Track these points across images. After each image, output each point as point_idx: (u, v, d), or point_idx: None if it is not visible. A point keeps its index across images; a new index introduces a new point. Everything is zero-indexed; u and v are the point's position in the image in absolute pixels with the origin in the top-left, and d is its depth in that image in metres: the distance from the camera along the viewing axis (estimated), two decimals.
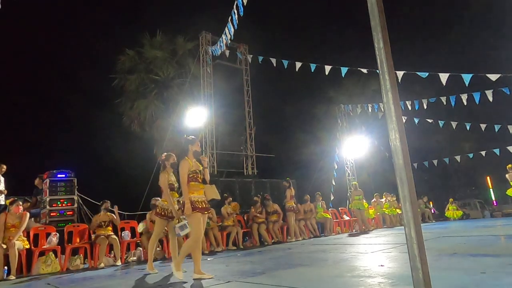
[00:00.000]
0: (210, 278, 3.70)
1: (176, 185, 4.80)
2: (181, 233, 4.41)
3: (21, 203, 5.98)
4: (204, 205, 3.96)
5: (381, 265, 3.47)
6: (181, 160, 4.05)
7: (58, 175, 7.32)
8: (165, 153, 4.94)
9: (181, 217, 4.55)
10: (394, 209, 11.75)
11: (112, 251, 6.60)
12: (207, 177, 4.13)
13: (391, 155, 1.51)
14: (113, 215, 6.81)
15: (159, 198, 7.46)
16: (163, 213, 4.74)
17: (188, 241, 4.02)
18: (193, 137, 4.19)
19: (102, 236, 6.34)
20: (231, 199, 8.40)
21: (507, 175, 9.78)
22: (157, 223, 4.86)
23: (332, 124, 15.73)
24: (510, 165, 9.72)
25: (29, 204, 7.78)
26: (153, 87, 16.24)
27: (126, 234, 7.16)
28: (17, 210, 5.81)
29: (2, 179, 7.64)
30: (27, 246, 5.88)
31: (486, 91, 9.01)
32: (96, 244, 6.34)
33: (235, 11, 8.00)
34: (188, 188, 3.88)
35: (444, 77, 8.13)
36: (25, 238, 5.93)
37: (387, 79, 1.47)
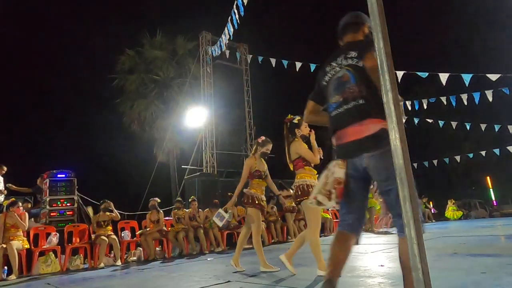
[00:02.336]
0: (276, 271, 3.74)
1: (264, 173, 4.40)
2: (220, 224, 4.40)
3: (20, 203, 5.98)
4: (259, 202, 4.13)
5: (381, 265, 3.47)
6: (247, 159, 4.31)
7: (58, 175, 7.33)
8: (264, 137, 4.49)
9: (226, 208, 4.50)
10: None
11: (112, 251, 6.60)
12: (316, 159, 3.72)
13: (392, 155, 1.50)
14: (111, 214, 6.82)
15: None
16: (256, 202, 4.25)
17: (307, 232, 3.73)
18: (264, 138, 4.38)
19: (102, 236, 6.34)
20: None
21: None
22: (254, 214, 4.23)
23: None
24: None
25: (29, 204, 7.79)
26: (153, 87, 16.24)
27: (126, 234, 7.16)
28: (17, 211, 5.82)
29: (2, 179, 7.65)
30: (27, 246, 5.88)
31: (486, 91, 9.01)
32: (96, 244, 6.34)
33: (235, 11, 8.00)
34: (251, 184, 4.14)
35: (444, 77, 8.13)
36: (25, 238, 5.93)
37: (387, 79, 1.46)
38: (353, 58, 1.78)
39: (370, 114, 1.67)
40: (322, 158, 3.73)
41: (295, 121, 3.79)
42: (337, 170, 1.79)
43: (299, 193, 3.56)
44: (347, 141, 1.77)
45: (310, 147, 3.70)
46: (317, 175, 3.62)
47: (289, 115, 3.91)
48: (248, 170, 4.27)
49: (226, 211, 4.45)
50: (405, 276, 1.72)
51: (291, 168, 3.79)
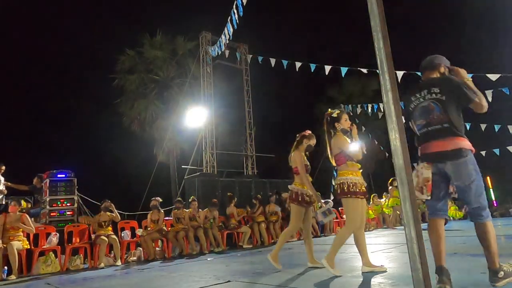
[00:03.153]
0: (383, 272, 3.27)
1: (309, 167, 4.22)
2: (324, 220, 4.15)
3: (15, 203, 5.97)
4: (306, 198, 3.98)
5: (381, 265, 3.46)
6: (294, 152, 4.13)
7: (58, 175, 7.33)
8: (309, 131, 4.31)
9: (322, 201, 4.21)
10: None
11: (112, 251, 6.60)
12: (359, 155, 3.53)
13: (391, 155, 1.51)
14: (112, 214, 6.82)
15: (159, 198, 7.51)
16: (301, 199, 4.02)
17: (342, 230, 3.50)
18: (310, 132, 4.25)
19: (102, 236, 6.34)
20: (236, 199, 8.42)
21: None
22: (296, 211, 4.07)
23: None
24: None
25: (29, 204, 7.79)
26: (153, 87, 16.25)
27: (126, 234, 7.16)
28: (13, 210, 5.81)
29: (2, 179, 7.65)
30: (27, 246, 5.88)
31: (486, 91, 9.00)
32: (96, 244, 6.34)
33: (235, 11, 8.00)
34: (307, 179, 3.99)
35: None
36: (25, 238, 5.93)
37: (387, 79, 1.47)
38: (436, 93, 2.42)
39: (453, 134, 2.34)
40: (366, 152, 3.58)
41: (334, 115, 3.66)
42: (424, 171, 2.41)
43: (340, 191, 3.41)
44: (433, 151, 2.41)
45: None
46: (361, 170, 3.50)
47: (329, 109, 3.80)
48: (303, 163, 4.05)
49: (326, 203, 4.15)
50: (485, 249, 2.40)
51: (333, 164, 3.65)
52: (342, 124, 3.60)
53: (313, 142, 4.22)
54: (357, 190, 3.36)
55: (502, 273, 2.27)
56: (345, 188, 3.38)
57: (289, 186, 4.20)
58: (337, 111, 3.70)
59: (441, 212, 2.53)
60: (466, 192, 2.32)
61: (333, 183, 3.79)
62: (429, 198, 2.43)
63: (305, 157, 4.21)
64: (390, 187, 10.68)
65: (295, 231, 4.23)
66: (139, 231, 7.02)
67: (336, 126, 3.61)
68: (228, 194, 8.51)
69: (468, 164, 2.30)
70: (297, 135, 4.31)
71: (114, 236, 6.55)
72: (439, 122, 2.38)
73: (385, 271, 3.29)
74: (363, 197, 3.43)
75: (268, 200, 8.98)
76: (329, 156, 3.67)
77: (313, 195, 4.10)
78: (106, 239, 6.33)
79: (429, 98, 2.44)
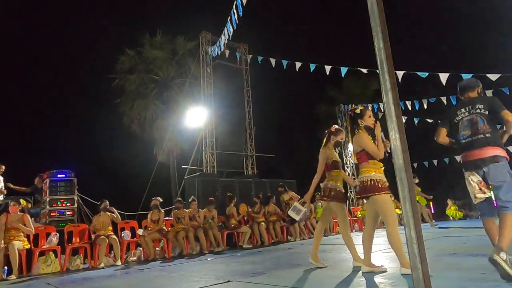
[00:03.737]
0: (383, 272, 3.25)
1: (340, 163, 4.17)
2: (297, 217, 4.14)
3: (14, 202, 5.96)
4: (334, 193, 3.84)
5: (382, 265, 3.47)
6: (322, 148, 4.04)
7: (58, 175, 7.33)
8: (336, 126, 4.21)
9: (297, 202, 4.26)
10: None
11: (112, 251, 6.60)
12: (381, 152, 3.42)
13: (391, 155, 1.51)
14: (113, 215, 6.82)
15: (159, 198, 7.51)
16: (339, 195, 3.90)
17: (389, 231, 3.24)
18: (337, 127, 4.15)
19: (102, 236, 6.34)
20: (236, 199, 8.42)
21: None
22: (339, 209, 3.90)
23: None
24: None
25: (29, 204, 7.79)
26: (153, 87, 16.24)
27: (126, 234, 7.16)
28: (13, 210, 5.82)
29: (2, 179, 7.65)
30: (28, 246, 5.88)
31: (486, 91, 9.01)
32: (96, 244, 6.34)
33: (235, 11, 8.00)
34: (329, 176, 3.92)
35: (444, 77, 8.13)
36: (25, 238, 5.93)
37: (387, 79, 1.47)
38: (481, 109, 2.94)
39: (491, 143, 2.83)
40: (389, 152, 3.47)
41: (358, 111, 3.56)
42: (473, 177, 2.90)
43: (365, 189, 3.32)
44: (475, 158, 2.88)
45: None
46: (383, 168, 3.40)
47: (352, 105, 3.78)
48: (324, 162, 3.96)
49: (302, 204, 4.22)
50: (501, 234, 2.69)
51: (355, 161, 3.61)
52: (366, 120, 3.51)
53: (340, 137, 4.08)
54: (383, 186, 3.27)
55: (504, 255, 2.50)
56: (370, 185, 3.29)
57: (321, 185, 4.02)
58: (360, 107, 3.60)
59: (490, 212, 2.96)
60: (498, 189, 2.78)
61: (356, 181, 3.61)
62: (490, 194, 2.88)
63: (335, 153, 4.08)
64: None
65: (348, 228, 3.95)
66: (140, 231, 7.02)
67: (359, 123, 3.53)
68: (228, 194, 8.51)
69: (502, 168, 2.79)
70: (326, 131, 4.19)
71: (114, 236, 6.55)
72: (482, 132, 2.89)
73: (385, 271, 3.27)
74: (389, 192, 3.32)
75: (267, 201, 8.99)
76: (353, 153, 3.62)
77: (308, 194, 4.13)
78: (106, 239, 6.34)
79: (474, 113, 2.97)
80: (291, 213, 4.17)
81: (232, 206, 8.21)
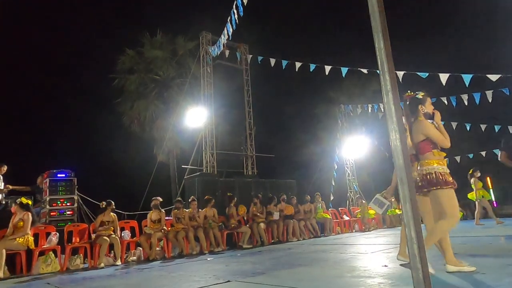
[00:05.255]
0: (472, 271, 2.92)
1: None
2: (381, 211, 3.80)
3: (13, 204, 5.97)
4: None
5: (385, 265, 3.46)
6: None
7: (58, 175, 7.33)
8: (421, 92, 3.35)
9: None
10: (394, 210, 11.75)
11: (112, 251, 6.60)
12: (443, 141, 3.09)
13: (391, 155, 1.51)
14: (116, 221, 6.81)
15: (160, 198, 7.50)
16: (451, 179, 3.09)
17: (441, 223, 2.95)
18: (423, 94, 3.30)
19: (104, 236, 6.34)
20: (236, 199, 8.43)
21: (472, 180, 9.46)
22: (451, 197, 3.04)
23: (332, 124, 15.74)
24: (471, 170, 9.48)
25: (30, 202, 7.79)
26: (153, 87, 16.25)
27: (126, 234, 7.16)
28: (14, 211, 5.84)
29: (1, 178, 7.65)
30: (32, 246, 5.85)
31: (486, 92, 9.01)
32: (96, 244, 6.34)
33: (235, 11, 8.01)
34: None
35: (444, 77, 8.13)
36: (28, 236, 5.87)
37: (387, 80, 1.47)
38: None
39: None
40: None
41: (420, 96, 3.23)
42: None
43: (428, 182, 3.02)
44: None
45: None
46: (446, 159, 3.17)
47: (408, 91, 3.35)
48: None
49: (385, 198, 3.89)
50: None
51: (413, 151, 3.18)
52: (427, 107, 3.20)
53: (429, 107, 3.28)
54: (448, 180, 3.01)
55: None
56: (434, 178, 3.01)
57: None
58: (422, 93, 3.25)
59: None
60: None
61: (416, 173, 3.15)
62: None
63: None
64: (472, 179, 9.20)
65: (457, 221, 3.07)
66: (146, 229, 6.99)
67: (420, 109, 3.19)
68: (228, 194, 8.51)
69: None
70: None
71: (115, 236, 6.55)
72: None
73: (475, 270, 2.92)
74: (454, 186, 3.05)
75: (268, 201, 9.01)
76: (409, 143, 3.19)
77: (391, 187, 3.71)
78: (107, 239, 6.33)
79: None
80: (372, 205, 3.82)
81: (232, 206, 8.21)
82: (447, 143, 3.09)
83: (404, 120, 3.17)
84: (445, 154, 3.16)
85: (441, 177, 3.01)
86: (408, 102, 3.28)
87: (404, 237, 3.61)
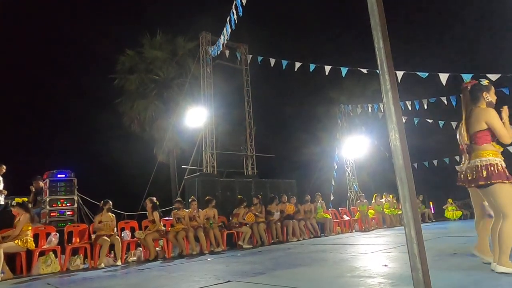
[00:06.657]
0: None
1: None
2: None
3: (13, 206, 5.96)
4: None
5: (385, 265, 3.46)
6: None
7: (58, 175, 7.33)
8: (485, 80, 3.12)
9: None
10: (394, 210, 11.76)
11: (112, 251, 6.59)
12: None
13: (391, 155, 1.51)
14: (114, 220, 6.80)
15: (153, 198, 7.47)
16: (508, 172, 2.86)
17: (504, 225, 2.72)
18: (488, 82, 3.09)
19: (104, 237, 6.33)
20: (246, 204, 8.46)
21: None
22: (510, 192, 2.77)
23: (332, 124, 15.75)
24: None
25: (29, 204, 7.79)
26: (153, 87, 16.26)
27: (126, 234, 7.16)
28: (15, 213, 5.85)
29: (1, 179, 7.64)
30: (32, 247, 5.84)
31: None
32: (96, 244, 6.33)
33: (234, 11, 8.01)
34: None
35: (444, 77, 8.13)
36: (28, 237, 5.87)
37: (387, 79, 1.47)
38: None
39: None
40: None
41: (484, 83, 3.01)
42: None
43: (490, 174, 2.76)
44: None
45: None
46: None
47: (466, 81, 3.18)
48: (502, 126, 2.85)
49: None
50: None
51: (467, 141, 2.98)
52: (491, 96, 2.98)
53: (493, 96, 3.07)
54: (509, 175, 2.76)
55: None
56: (496, 170, 2.76)
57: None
58: (487, 80, 3.05)
59: None
60: None
61: (471, 165, 2.92)
62: None
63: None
64: None
65: None
66: (138, 233, 6.96)
67: (484, 96, 2.96)
68: (239, 196, 8.67)
69: None
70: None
71: (116, 236, 6.54)
72: None
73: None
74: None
75: (269, 201, 9.01)
76: (465, 133, 2.98)
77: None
78: (108, 239, 6.32)
79: None
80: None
81: (242, 208, 8.25)
82: (509, 138, 2.82)
83: (462, 107, 3.05)
84: (502, 149, 2.94)
85: (503, 171, 2.76)
86: (469, 88, 3.03)
87: (482, 233, 3.35)
